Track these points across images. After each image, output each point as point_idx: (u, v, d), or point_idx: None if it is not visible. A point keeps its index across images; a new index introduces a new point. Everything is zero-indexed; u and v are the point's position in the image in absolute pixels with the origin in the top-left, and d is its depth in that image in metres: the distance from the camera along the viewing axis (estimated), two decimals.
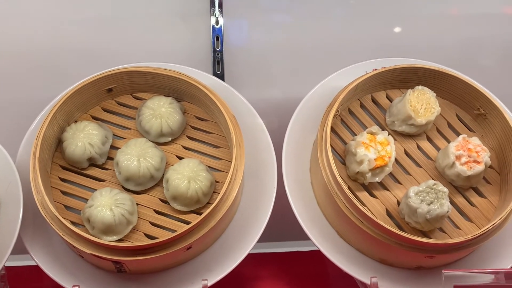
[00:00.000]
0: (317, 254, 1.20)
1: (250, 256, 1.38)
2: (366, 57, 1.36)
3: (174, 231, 1.10)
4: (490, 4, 1.62)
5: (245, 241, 1.17)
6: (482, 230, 1.06)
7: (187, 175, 1.12)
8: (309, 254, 1.34)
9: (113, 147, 1.21)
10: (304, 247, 1.39)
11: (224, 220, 1.13)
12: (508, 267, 1.17)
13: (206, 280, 1.11)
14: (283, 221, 1.32)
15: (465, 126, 1.26)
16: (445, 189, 1.11)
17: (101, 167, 1.19)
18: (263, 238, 1.42)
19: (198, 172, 1.13)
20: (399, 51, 1.54)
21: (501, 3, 1.62)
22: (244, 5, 1.48)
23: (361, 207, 1.08)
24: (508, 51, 1.63)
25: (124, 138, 1.22)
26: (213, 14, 1.43)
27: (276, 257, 1.39)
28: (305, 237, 1.21)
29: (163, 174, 1.17)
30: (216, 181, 1.18)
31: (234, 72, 1.48)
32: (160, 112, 1.19)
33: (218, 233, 1.17)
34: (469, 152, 1.15)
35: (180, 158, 1.20)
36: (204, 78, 1.27)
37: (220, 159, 1.21)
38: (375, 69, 1.26)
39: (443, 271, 0.94)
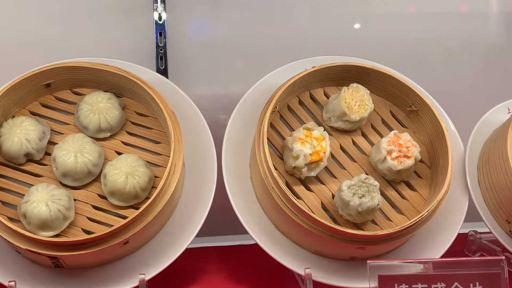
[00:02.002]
0: (258, 247, 1.23)
1: (191, 251, 1.41)
2: (313, 55, 1.40)
3: (112, 226, 1.11)
4: (448, 2, 1.69)
5: (184, 236, 1.19)
6: (410, 222, 1.11)
7: (124, 171, 1.13)
8: (250, 247, 1.36)
9: (52, 143, 1.20)
10: (246, 241, 1.42)
11: (162, 215, 1.14)
12: (438, 257, 1.23)
13: (144, 274, 1.12)
14: (224, 216, 1.34)
15: (398, 122, 1.31)
16: (376, 183, 1.16)
17: (39, 162, 1.19)
18: (204, 233, 1.44)
19: (136, 168, 1.14)
20: (355, 48, 1.59)
21: (458, 1, 1.69)
22: (188, 1, 1.50)
23: (295, 201, 1.11)
24: (463, 48, 1.71)
25: (63, 134, 1.22)
26: (156, 9, 1.44)
27: (218, 251, 1.42)
28: (246, 231, 1.24)
29: (102, 170, 1.17)
30: (156, 176, 1.19)
31: (178, 67, 1.49)
32: (98, 107, 1.19)
33: (157, 228, 1.18)
34: (399, 147, 1.20)
35: (119, 153, 1.20)
36: (145, 74, 1.28)
37: (160, 154, 1.22)
38: (314, 67, 1.30)
39: (368, 261, 0.98)
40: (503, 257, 0.99)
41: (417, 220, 1.12)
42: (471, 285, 0.96)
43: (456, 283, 0.96)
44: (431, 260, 1.05)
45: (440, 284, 0.96)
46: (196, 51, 1.51)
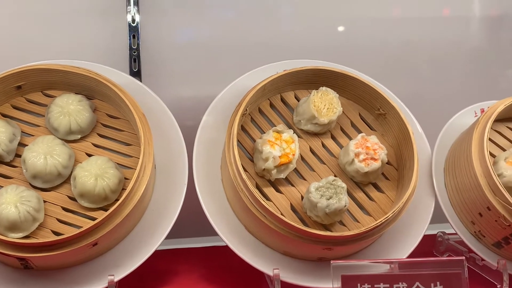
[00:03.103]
0: (229, 248, 1.24)
1: (163, 252, 1.42)
2: (293, 58, 1.41)
3: (81, 227, 1.11)
4: (431, 7, 1.72)
5: (154, 237, 1.20)
6: (376, 223, 1.13)
7: (94, 173, 1.13)
8: (222, 249, 1.37)
9: (22, 145, 1.20)
10: (218, 242, 1.43)
11: (132, 216, 1.15)
12: (405, 257, 1.25)
13: (113, 275, 1.13)
14: (196, 217, 1.35)
15: (367, 125, 1.33)
16: (344, 185, 1.18)
17: (9, 164, 1.19)
18: (176, 234, 1.46)
19: (106, 170, 1.15)
20: (337, 51, 1.62)
21: (441, 5, 1.72)
22: (162, 3, 1.51)
23: (264, 203, 1.12)
24: (445, 51, 1.74)
25: (33, 136, 1.22)
26: (129, 12, 1.45)
27: (189, 253, 1.43)
28: (217, 233, 1.25)
29: (72, 172, 1.17)
30: (126, 178, 1.19)
31: (151, 70, 1.50)
32: (69, 109, 1.19)
33: (127, 229, 1.19)
34: (367, 150, 1.22)
35: (90, 155, 1.21)
36: (117, 76, 1.29)
37: (131, 156, 1.23)
38: (286, 70, 1.32)
39: (331, 261, 1.00)
40: (464, 258, 1.02)
41: (383, 221, 1.14)
42: (432, 285, 0.98)
43: (417, 283, 0.98)
44: (393, 260, 1.07)
45: (402, 284, 0.98)
46: (170, 53, 1.51)
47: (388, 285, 0.98)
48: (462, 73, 1.78)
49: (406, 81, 1.73)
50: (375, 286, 0.97)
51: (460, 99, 1.48)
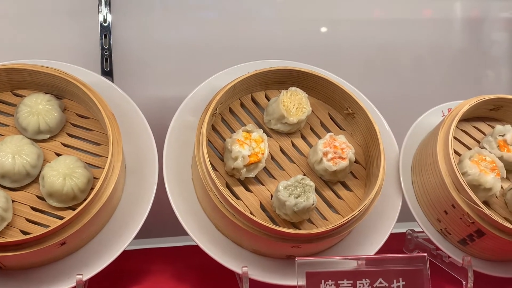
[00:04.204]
0: (200, 247, 1.25)
1: (135, 252, 1.42)
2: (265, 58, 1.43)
3: (49, 227, 1.11)
4: (411, 9, 1.74)
5: (123, 236, 1.20)
6: (342, 221, 1.15)
7: (62, 172, 1.13)
8: (193, 248, 1.37)
9: None
10: (191, 242, 1.43)
11: (100, 216, 1.15)
12: (373, 254, 1.27)
13: (81, 274, 1.13)
14: (168, 217, 1.35)
15: (336, 124, 1.35)
16: (312, 183, 1.19)
17: None
18: (148, 234, 1.46)
19: (74, 169, 1.15)
20: (316, 52, 1.64)
21: (421, 7, 1.75)
22: (134, 3, 1.51)
23: (232, 201, 1.13)
24: (426, 52, 1.77)
25: (3, 135, 1.21)
26: (100, 12, 1.45)
27: (161, 252, 1.43)
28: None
29: (40, 171, 1.17)
30: (96, 178, 1.20)
31: (123, 69, 1.51)
32: (38, 109, 1.19)
33: (96, 229, 1.19)
34: (335, 149, 1.24)
35: (59, 155, 1.20)
36: (88, 76, 1.29)
37: (101, 156, 1.23)
38: (256, 70, 1.33)
39: (296, 258, 1.02)
40: (425, 254, 1.04)
41: (350, 219, 1.16)
42: (395, 281, 1.00)
43: (380, 279, 1.00)
44: (357, 256, 1.09)
45: (365, 280, 1.00)
46: (142, 53, 1.52)
47: (351, 282, 0.99)
48: (438, 73, 1.81)
49: (384, 81, 1.76)
50: (339, 282, 0.99)
51: (435, 100, 1.51)
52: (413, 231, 1.45)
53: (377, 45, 1.74)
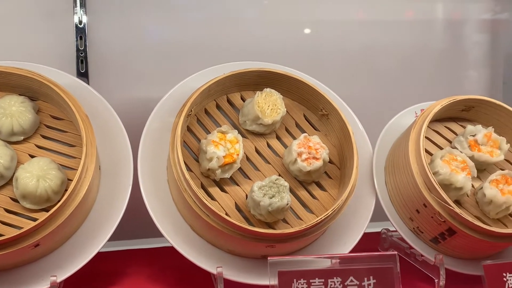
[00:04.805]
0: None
1: (111, 254, 1.42)
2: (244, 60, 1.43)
3: (22, 228, 1.11)
4: (394, 10, 1.76)
5: (98, 238, 1.20)
6: (316, 220, 1.16)
7: (36, 174, 1.13)
8: (170, 249, 1.38)
9: None
10: (167, 243, 1.44)
11: (74, 217, 1.15)
12: (347, 252, 1.29)
13: (55, 276, 1.13)
14: (144, 218, 1.36)
15: (311, 125, 1.36)
16: (286, 184, 1.20)
17: None
18: (125, 236, 1.46)
19: (48, 171, 1.14)
20: (296, 54, 1.65)
21: (404, 9, 1.77)
22: (110, 5, 1.51)
23: (206, 202, 1.14)
24: (409, 54, 1.78)
25: None
26: (76, 13, 1.44)
27: (138, 254, 1.43)
28: None
29: (14, 173, 1.17)
30: (70, 179, 1.19)
31: (99, 71, 1.50)
32: (11, 111, 1.19)
33: (70, 230, 1.19)
34: (309, 150, 1.26)
35: (33, 156, 1.20)
36: (62, 77, 1.28)
37: (75, 157, 1.23)
38: (231, 72, 1.33)
39: (268, 258, 1.03)
40: (396, 253, 1.05)
41: (323, 218, 1.17)
42: (365, 279, 1.02)
43: (351, 277, 1.01)
44: (329, 255, 1.11)
45: (337, 278, 1.01)
46: (118, 55, 1.52)
47: (323, 280, 1.01)
48: (418, 74, 1.83)
49: (364, 82, 1.77)
50: (311, 281, 1.00)
51: (414, 100, 1.52)
52: (388, 230, 1.47)
53: (358, 46, 1.76)
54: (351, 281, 1.01)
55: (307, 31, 1.72)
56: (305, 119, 1.37)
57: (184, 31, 1.57)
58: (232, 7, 1.65)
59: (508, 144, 1.34)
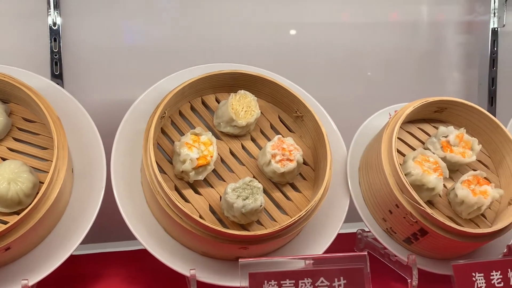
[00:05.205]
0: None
1: (86, 257, 1.42)
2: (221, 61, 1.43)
3: None
4: (374, 13, 1.77)
5: (71, 241, 1.19)
6: (289, 221, 1.16)
7: (7, 177, 1.12)
8: (145, 252, 1.37)
9: None
10: (141, 246, 1.43)
11: (46, 220, 1.14)
12: (321, 253, 1.29)
13: (27, 280, 1.12)
14: (119, 221, 1.35)
15: (286, 127, 1.37)
16: (260, 185, 1.21)
17: None
18: (100, 238, 1.45)
19: (20, 174, 1.13)
20: (274, 56, 1.65)
21: (384, 11, 1.78)
22: (85, 6, 1.50)
23: (179, 204, 1.14)
24: (388, 56, 1.79)
25: None
26: (50, 15, 1.44)
27: (112, 257, 1.42)
28: None
29: None
30: (42, 182, 1.18)
31: (74, 73, 1.49)
32: None
33: (43, 234, 1.18)
34: (283, 151, 1.26)
35: (5, 159, 1.19)
36: (35, 80, 1.27)
37: (47, 160, 1.22)
38: (206, 73, 1.33)
39: (239, 260, 1.03)
40: (366, 253, 1.06)
41: (296, 219, 1.17)
42: (336, 279, 1.02)
43: (322, 278, 1.02)
44: (300, 256, 1.11)
45: (307, 279, 1.02)
46: (94, 56, 1.51)
47: (293, 281, 1.01)
48: (399, 76, 1.84)
49: (345, 84, 1.78)
50: (281, 282, 1.00)
51: (393, 102, 1.54)
52: (363, 230, 1.48)
53: (340, 48, 1.76)
54: (322, 282, 1.02)
55: (290, 32, 1.73)
56: (280, 120, 1.37)
57: (161, 32, 1.57)
58: (212, 8, 1.64)
59: (480, 145, 1.36)
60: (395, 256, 1.31)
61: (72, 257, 1.41)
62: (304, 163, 1.33)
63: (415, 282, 1.25)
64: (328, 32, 1.76)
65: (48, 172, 1.19)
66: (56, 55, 1.44)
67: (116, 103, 1.50)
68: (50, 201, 1.12)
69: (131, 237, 1.39)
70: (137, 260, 1.39)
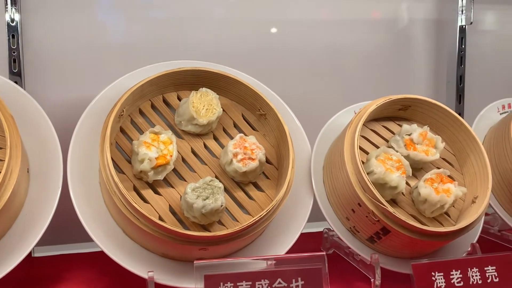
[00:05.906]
0: None
1: (44, 259, 1.38)
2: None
3: None
4: (346, 11, 1.76)
5: (27, 242, 1.16)
6: (249, 222, 1.14)
7: None
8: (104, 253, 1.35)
9: None
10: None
11: (0, 221, 1.11)
12: (283, 253, 1.27)
13: None
14: (79, 222, 1.32)
15: (249, 125, 1.35)
16: (220, 185, 1.18)
17: None
18: (58, 240, 1.42)
19: None
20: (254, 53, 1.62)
21: (356, 9, 1.76)
22: (46, 2, 1.46)
23: (135, 205, 1.11)
24: (359, 54, 1.78)
25: None
26: (7, 11, 1.39)
27: (71, 259, 1.39)
28: None
29: None
30: None
31: (35, 70, 1.45)
32: None
33: None
34: (244, 150, 1.24)
35: None
36: None
37: (2, 160, 1.18)
38: (166, 71, 1.30)
39: (194, 261, 1.01)
40: (324, 253, 1.05)
41: (257, 219, 1.15)
42: (293, 280, 1.01)
43: (279, 279, 1.00)
44: (257, 258, 1.09)
45: (264, 281, 1.00)
46: (55, 54, 1.47)
47: (250, 283, 0.99)
48: (369, 74, 1.83)
49: (313, 82, 1.77)
50: (238, 284, 0.98)
51: (364, 99, 1.53)
52: (329, 230, 1.46)
53: (311, 47, 1.75)
54: (279, 283, 1.00)
55: (265, 30, 1.70)
56: (244, 119, 1.35)
57: (125, 30, 1.54)
58: (179, 3, 1.61)
59: (444, 143, 1.36)
60: (359, 255, 1.30)
61: (31, 259, 1.38)
62: (268, 162, 1.31)
63: (378, 282, 1.24)
64: (300, 30, 1.74)
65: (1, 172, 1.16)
66: (14, 52, 1.40)
67: (78, 101, 1.46)
68: (2, 202, 1.08)
69: (91, 238, 1.37)
70: (98, 262, 1.36)
